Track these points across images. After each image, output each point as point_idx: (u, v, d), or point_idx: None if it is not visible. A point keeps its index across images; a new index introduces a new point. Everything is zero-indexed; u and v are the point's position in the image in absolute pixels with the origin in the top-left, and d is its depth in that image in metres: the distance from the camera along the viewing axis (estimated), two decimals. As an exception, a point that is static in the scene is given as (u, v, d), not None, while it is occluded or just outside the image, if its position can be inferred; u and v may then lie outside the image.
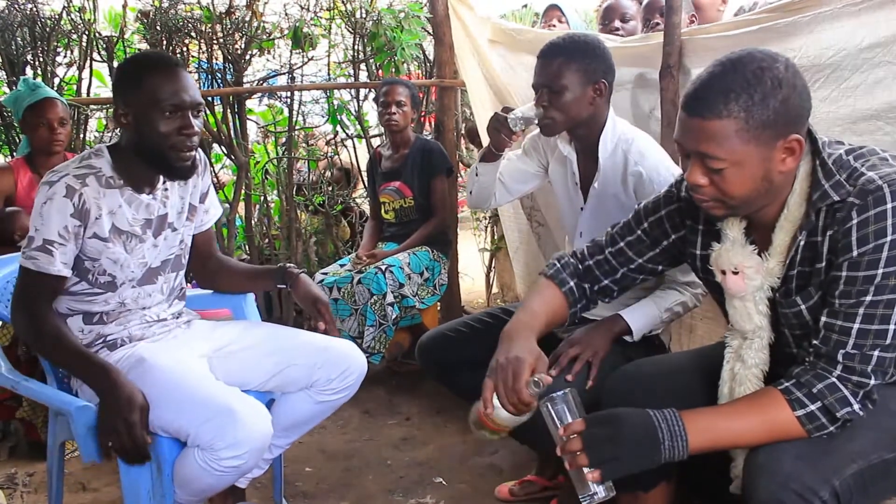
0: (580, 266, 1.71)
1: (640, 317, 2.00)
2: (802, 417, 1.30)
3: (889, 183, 1.24)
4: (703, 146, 1.30)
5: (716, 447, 1.39)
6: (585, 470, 1.32)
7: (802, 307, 1.37)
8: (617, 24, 3.16)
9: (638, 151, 2.04)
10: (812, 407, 1.30)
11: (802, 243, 1.35)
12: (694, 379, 1.60)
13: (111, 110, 4.09)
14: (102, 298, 1.87)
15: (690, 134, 1.31)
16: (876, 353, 1.28)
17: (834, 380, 1.30)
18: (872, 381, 1.29)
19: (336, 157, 4.36)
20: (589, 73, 2.01)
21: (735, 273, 1.42)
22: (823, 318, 1.32)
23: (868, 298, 1.26)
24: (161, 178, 1.90)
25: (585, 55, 2.01)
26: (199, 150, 2.01)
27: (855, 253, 1.26)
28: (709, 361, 1.60)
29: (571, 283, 1.69)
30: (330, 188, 4.28)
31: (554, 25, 3.61)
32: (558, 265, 1.71)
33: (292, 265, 2.11)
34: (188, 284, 2.18)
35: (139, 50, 3.95)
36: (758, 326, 1.44)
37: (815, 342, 1.34)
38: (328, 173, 4.45)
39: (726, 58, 1.31)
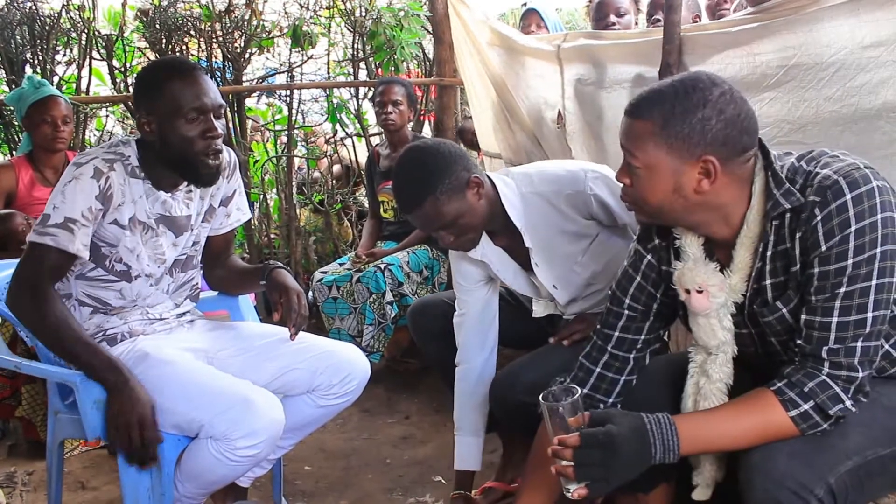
0: (583, 390, 1.55)
1: None
2: (796, 417, 1.30)
3: (844, 175, 1.26)
4: (626, 142, 1.37)
5: (709, 451, 1.39)
6: (572, 486, 1.33)
7: (784, 311, 1.37)
8: (612, 18, 3.15)
9: (546, 181, 1.96)
10: (805, 406, 1.30)
11: (770, 254, 1.36)
12: (662, 388, 1.58)
13: (112, 109, 4.12)
14: (117, 287, 1.86)
15: (622, 131, 1.39)
16: (859, 343, 1.29)
17: (824, 377, 1.30)
18: (861, 373, 1.30)
19: (336, 154, 4.37)
20: (457, 185, 1.83)
21: (699, 292, 1.43)
22: (803, 317, 1.33)
23: (842, 290, 1.27)
24: (185, 181, 1.90)
25: (441, 174, 1.81)
26: (231, 152, 2.01)
27: (823, 248, 1.27)
28: (675, 369, 1.59)
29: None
30: (334, 183, 4.29)
31: (533, 31, 3.60)
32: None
33: (275, 262, 2.08)
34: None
35: (139, 48, 3.96)
36: (722, 342, 1.45)
37: (798, 342, 1.34)
38: (333, 168, 4.46)
39: (681, 74, 1.40)
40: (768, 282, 1.38)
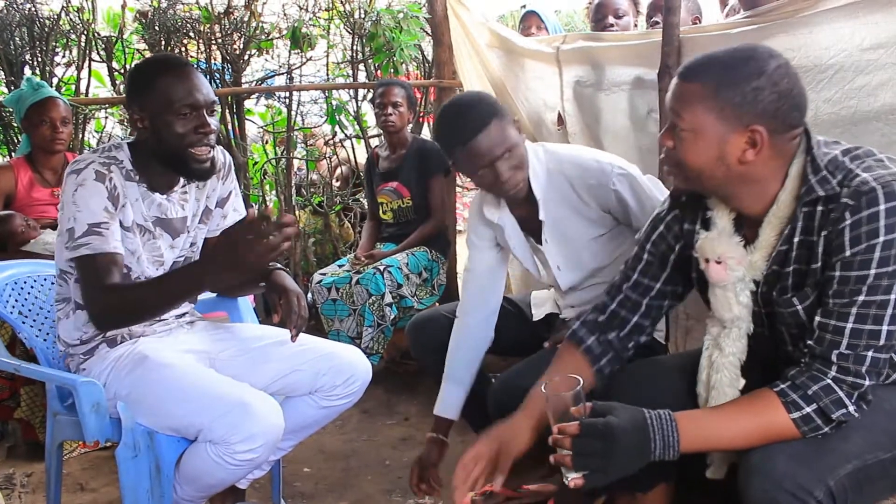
0: (601, 316, 1.66)
1: None
2: (798, 420, 1.30)
3: (883, 185, 1.25)
4: (674, 103, 1.38)
5: (708, 449, 1.41)
6: (570, 475, 1.34)
7: (799, 307, 1.38)
8: (611, 20, 3.16)
9: (573, 164, 1.98)
10: (808, 409, 1.30)
11: (797, 241, 1.36)
12: (682, 380, 1.61)
13: (110, 110, 4.12)
14: None
15: (671, 93, 1.39)
16: (870, 353, 1.29)
17: (829, 381, 1.30)
18: (867, 382, 1.30)
19: (336, 156, 4.37)
20: (509, 119, 1.91)
21: (718, 262, 1.45)
22: (818, 318, 1.33)
23: (861, 298, 1.27)
24: (180, 181, 1.90)
25: (497, 105, 1.92)
26: (226, 152, 2.01)
27: (847, 253, 1.27)
28: (694, 363, 1.61)
29: (590, 340, 1.65)
30: (333, 184, 4.29)
31: (532, 33, 3.61)
32: (577, 323, 1.69)
33: (274, 263, 2.05)
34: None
35: (138, 50, 3.96)
36: (737, 316, 1.46)
37: (809, 342, 1.34)
38: (339, 170, 4.45)
39: (738, 44, 1.39)
40: (791, 268, 1.38)
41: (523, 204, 2.03)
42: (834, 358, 1.30)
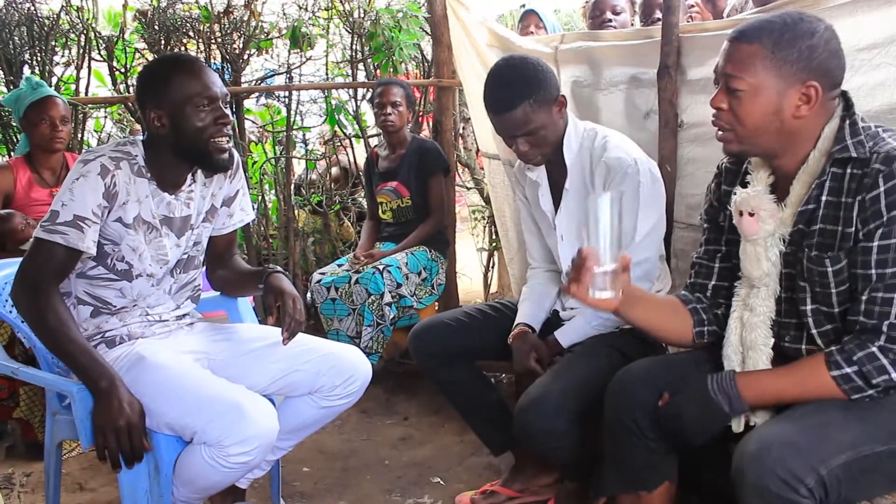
0: (690, 288, 1.77)
1: (568, 332, 2.11)
2: (838, 378, 1.36)
3: None
4: (731, 67, 1.44)
5: (763, 404, 1.48)
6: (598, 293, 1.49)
7: (829, 269, 1.42)
8: (608, 15, 3.16)
9: (601, 145, 2.07)
10: (848, 370, 1.36)
11: (825, 200, 1.41)
12: (693, 368, 1.65)
13: (109, 109, 4.12)
14: (118, 287, 1.87)
15: (724, 56, 1.46)
16: None
17: (874, 349, 1.35)
18: None
19: (335, 156, 4.36)
20: (548, 98, 1.99)
21: (751, 215, 1.51)
22: (865, 295, 1.37)
23: None
24: (188, 180, 1.92)
25: (538, 84, 1.97)
26: (235, 152, 2.03)
27: (885, 218, 1.33)
28: (705, 354, 1.68)
29: (684, 292, 1.76)
30: (331, 185, 4.29)
31: (532, 31, 3.61)
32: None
33: (274, 266, 2.08)
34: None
35: (138, 50, 3.96)
36: (765, 273, 1.52)
37: (859, 318, 1.38)
38: (331, 170, 4.45)
39: (786, 10, 1.49)
40: (818, 227, 1.43)
41: (556, 168, 2.13)
42: (885, 328, 1.35)
